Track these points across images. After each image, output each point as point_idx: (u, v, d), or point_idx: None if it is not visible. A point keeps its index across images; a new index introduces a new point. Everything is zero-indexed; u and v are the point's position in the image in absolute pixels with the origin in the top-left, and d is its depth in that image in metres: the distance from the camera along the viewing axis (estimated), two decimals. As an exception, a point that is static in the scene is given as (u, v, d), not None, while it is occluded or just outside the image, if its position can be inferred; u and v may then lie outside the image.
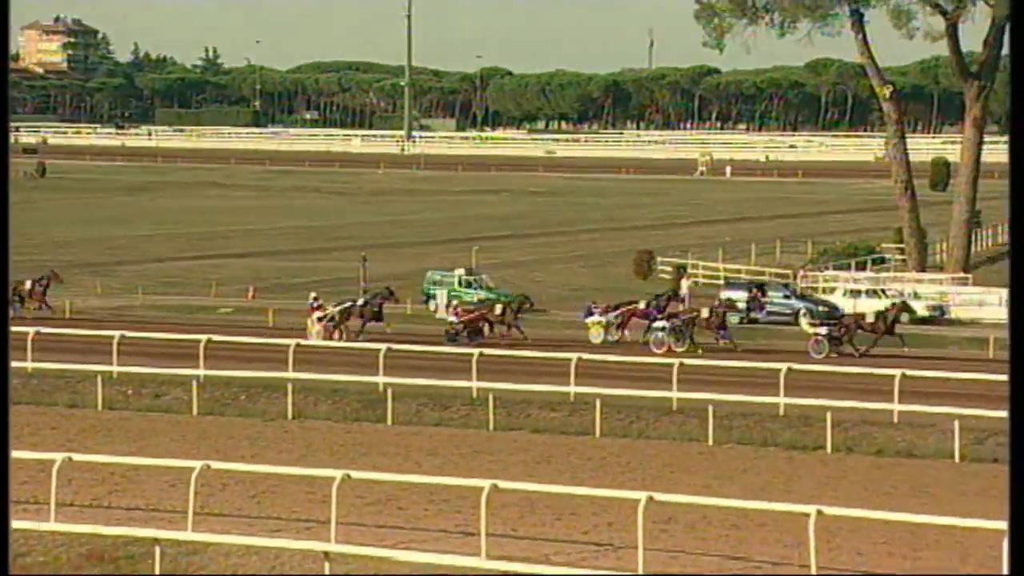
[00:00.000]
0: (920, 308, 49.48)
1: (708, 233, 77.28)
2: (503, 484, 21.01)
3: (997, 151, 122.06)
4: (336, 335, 44.02)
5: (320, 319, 44.58)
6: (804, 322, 43.86)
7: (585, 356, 35.25)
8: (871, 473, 27.64)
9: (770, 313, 47.14)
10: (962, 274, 55.45)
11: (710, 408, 30.70)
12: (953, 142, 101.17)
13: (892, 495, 25.67)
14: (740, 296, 47.06)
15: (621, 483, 25.72)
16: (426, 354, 38.68)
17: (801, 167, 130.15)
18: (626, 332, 44.45)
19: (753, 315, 46.93)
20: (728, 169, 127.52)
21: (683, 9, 73.16)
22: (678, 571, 20.15)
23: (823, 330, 42.45)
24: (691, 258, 60.93)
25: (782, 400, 32.08)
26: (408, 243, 75.72)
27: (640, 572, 19.47)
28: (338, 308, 45.21)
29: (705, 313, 43.42)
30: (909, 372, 32.60)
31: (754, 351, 41.58)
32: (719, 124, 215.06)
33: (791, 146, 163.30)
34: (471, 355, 35.05)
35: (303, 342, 38.80)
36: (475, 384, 34.02)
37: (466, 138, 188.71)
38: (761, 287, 48.15)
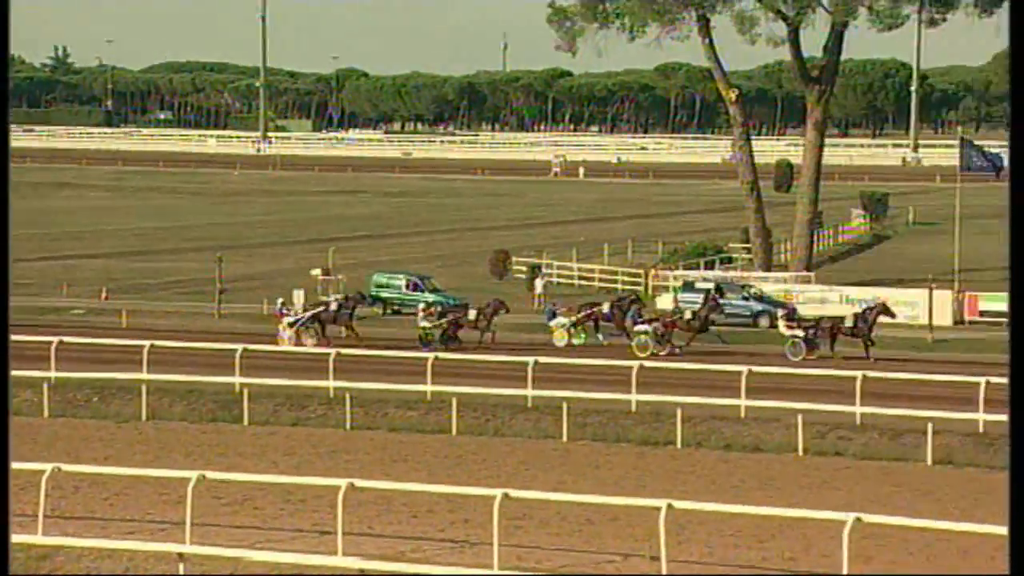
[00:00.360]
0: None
1: (562, 233, 78.05)
2: (360, 483, 21.26)
3: (837, 153, 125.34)
4: (308, 341, 42.98)
5: (291, 324, 43.68)
6: (781, 325, 43.08)
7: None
8: (719, 467, 28.37)
9: (728, 315, 46.82)
10: (805, 273, 56.81)
11: (564, 405, 31.22)
12: (796, 144, 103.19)
13: (739, 488, 26.39)
14: (697, 299, 46.52)
15: (477, 480, 26.10)
16: (283, 354, 38.69)
17: (652, 168, 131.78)
18: (599, 337, 44.02)
19: (712, 317, 46.53)
20: (581, 170, 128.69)
21: (536, 13, 73.76)
22: (532, 566, 20.56)
23: (800, 333, 42.07)
24: (546, 258, 61.56)
25: (634, 397, 32.73)
26: (265, 244, 75.35)
27: (495, 568, 19.84)
28: (309, 313, 44.29)
29: (689, 315, 43.37)
30: (755, 368, 33.45)
31: (714, 353, 41.39)
32: (572, 126, 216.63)
33: (642, 148, 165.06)
34: (327, 355, 35.19)
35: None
36: (332, 384, 34.17)
37: (323, 139, 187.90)
38: (719, 288, 47.69)
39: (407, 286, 50.86)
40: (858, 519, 18.73)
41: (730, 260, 62.41)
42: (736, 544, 21.73)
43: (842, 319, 43.25)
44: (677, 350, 42.07)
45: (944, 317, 47.11)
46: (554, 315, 45.06)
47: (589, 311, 45.16)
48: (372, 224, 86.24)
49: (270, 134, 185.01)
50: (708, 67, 61.83)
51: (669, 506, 19.59)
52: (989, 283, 54.42)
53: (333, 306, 44.62)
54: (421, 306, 45.08)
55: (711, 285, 49.92)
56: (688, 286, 50.42)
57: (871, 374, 32.71)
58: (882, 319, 43.63)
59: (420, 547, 21.67)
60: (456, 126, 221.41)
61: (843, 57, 62.52)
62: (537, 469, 27.93)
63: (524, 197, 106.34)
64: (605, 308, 45.16)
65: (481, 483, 25.14)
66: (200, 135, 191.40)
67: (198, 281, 56.51)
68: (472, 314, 44.22)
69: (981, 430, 30.23)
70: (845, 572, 18.67)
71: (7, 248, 17.08)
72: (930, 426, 28.98)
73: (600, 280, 58.95)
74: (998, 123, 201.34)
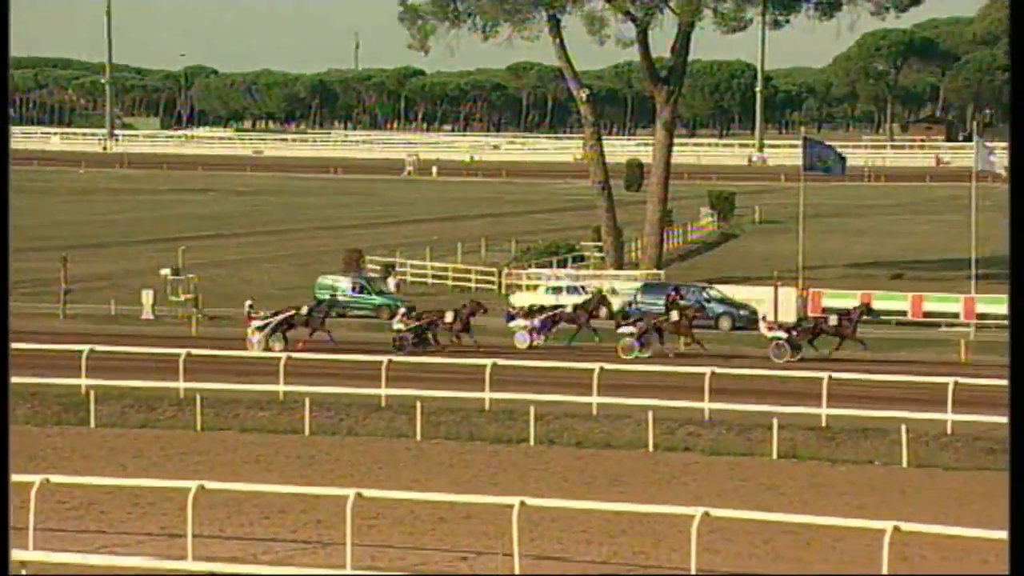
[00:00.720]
0: (617, 304, 51.11)
1: (416, 232, 78.01)
2: (210, 485, 21.05)
3: (686, 153, 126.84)
4: (276, 346, 42.00)
5: (260, 328, 42.76)
6: (762, 326, 42.58)
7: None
8: (572, 464, 28.62)
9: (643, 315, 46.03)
10: (655, 270, 57.50)
11: (418, 404, 31.24)
12: (646, 144, 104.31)
13: (591, 484, 26.67)
14: (659, 300, 46.27)
15: (330, 480, 26.01)
16: (131, 355, 38.15)
17: (505, 167, 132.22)
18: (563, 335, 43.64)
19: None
20: (435, 169, 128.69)
21: (388, 11, 73.62)
22: (386, 565, 20.56)
23: (783, 334, 41.57)
24: (399, 256, 61.49)
25: (488, 395, 32.86)
26: (112, 243, 74.18)
27: (348, 568, 19.81)
28: (279, 316, 43.39)
29: (675, 317, 42.94)
30: (607, 366, 33.81)
31: (695, 355, 40.86)
32: (425, 125, 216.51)
33: (495, 147, 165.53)
34: (178, 355, 34.77)
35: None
36: (182, 385, 33.78)
37: (171, 137, 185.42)
38: (677, 290, 47.34)
39: (353, 288, 50.38)
40: (706, 513, 19.03)
41: (582, 258, 62.95)
42: (588, 540, 21.96)
43: (825, 319, 42.97)
44: (670, 354, 41.43)
45: (789, 314, 47.98)
46: (512, 317, 44.56)
47: (553, 312, 44.74)
48: (223, 223, 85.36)
49: (117, 132, 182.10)
50: (559, 67, 62.30)
51: (522, 503, 19.72)
52: (832, 280, 55.60)
53: (304, 310, 43.89)
54: (402, 310, 44.23)
55: (560, 283, 50.17)
56: (648, 287, 49.76)
57: (719, 371, 33.23)
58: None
59: (272, 548, 21.55)
60: (308, 124, 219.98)
61: (690, 58, 63.43)
62: (391, 468, 27.92)
63: (377, 196, 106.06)
64: (569, 309, 44.94)
65: (334, 483, 25.07)
66: (44, 132, 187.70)
67: (43, 281, 55.46)
68: (449, 316, 43.55)
69: (824, 424, 30.88)
70: (693, 566, 18.96)
71: (7, 248, 16.77)
72: (776, 421, 29.53)
73: (454, 279, 59.06)
74: (839, 124, 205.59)
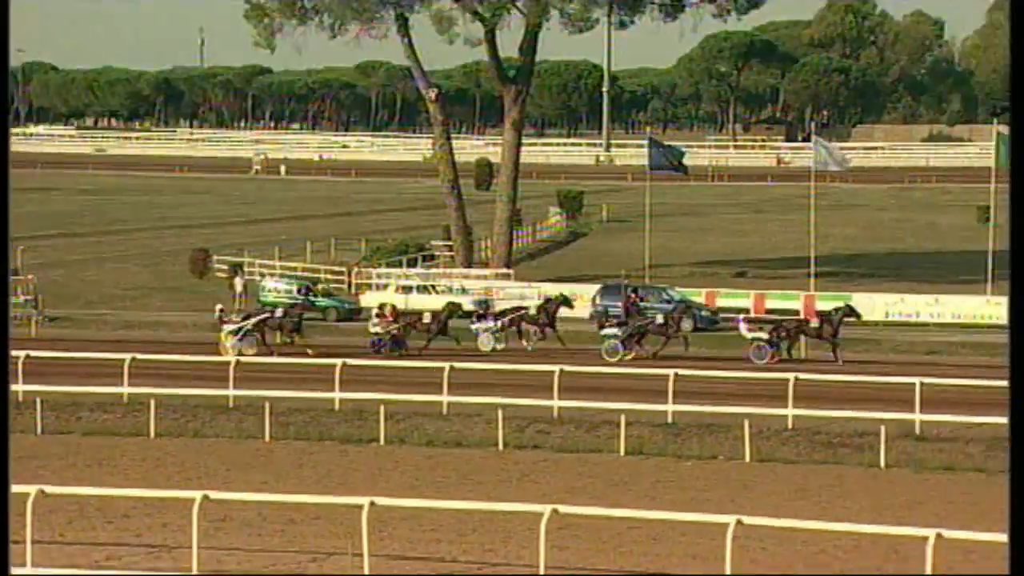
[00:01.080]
0: (467, 303, 51.26)
1: (264, 231, 77.35)
2: (51, 489, 20.65)
3: (535, 152, 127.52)
4: (248, 350, 40.96)
5: (232, 332, 41.69)
6: (743, 328, 42.11)
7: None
8: (422, 463, 28.63)
9: (626, 318, 45.89)
10: (505, 269, 57.78)
11: (266, 405, 31.01)
12: (495, 143, 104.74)
13: (441, 483, 26.71)
14: (617, 302, 46.07)
15: (176, 483, 25.69)
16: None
17: (354, 166, 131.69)
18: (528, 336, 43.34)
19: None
20: (283, 168, 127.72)
21: (234, 8, 72.86)
22: (233, 568, 20.37)
23: (764, 335, 41.24)
24: (247, 256, 60.94)
25: (337, 395, 32.73)
26: (-52, 244, 72.38)
27: (195, 572, 19.60)
28: (253, 320, 42.32)
29: (660, 319, 42.56)
30: (456, 364, 33.87)
31: (680, 357, 40.67)
32: (273, 123, 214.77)
33: (344, 146, 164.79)
34: (18, 357, 34.06)
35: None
36: (21, 388, 33.09)
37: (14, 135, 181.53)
38: (635, 290, 47.21)
39: (298, 291, 49.68)
40: (555, 510, 19.18)
41: (432, 257, 62.98)
42: (438, 539, 21.99)
43: (807, 320, 42.65)
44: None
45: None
46: (481, 318, 44.15)
47: (515, 314, 44.35)
48: (65, 222, 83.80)
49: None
50: (408, 66, 62.24)
51: (371, 503, 19.68)
52: (678, 278, 56.36)
53: (279, 313, 42.97)
54: (375, 311, 43.82)
55: (424, 283, 50.05)
56: (608, 289, 49.31)
57: (568, 368, 33.49)
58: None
59: (115, 554, 21.22)
60: (153, 122, 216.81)
61: (538, 58, 63.84)
62: (238, 470, 27.67)
63: (224, 195, 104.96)
64: (532, 311, 44.59)
65: (180, 486, 24.77)
66: None
67: None
68: (427, 318, 43.10)
69: (670, 420, 31.30)
70: (542, 563, 19.09)
71: (7, 248, 16.28)
72: (623, 418, 29.86)
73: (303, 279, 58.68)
74: (684, 124, 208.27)
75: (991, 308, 43.58)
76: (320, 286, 51.23)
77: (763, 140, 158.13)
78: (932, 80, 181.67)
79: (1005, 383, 35.60)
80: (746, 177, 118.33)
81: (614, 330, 41.95)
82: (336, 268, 59.13)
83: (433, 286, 52.37)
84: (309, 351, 40.41)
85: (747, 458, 28.93)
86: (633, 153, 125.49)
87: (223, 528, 22.06)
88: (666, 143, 58.23)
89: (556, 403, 31.89)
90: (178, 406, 32.19)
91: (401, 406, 31.98)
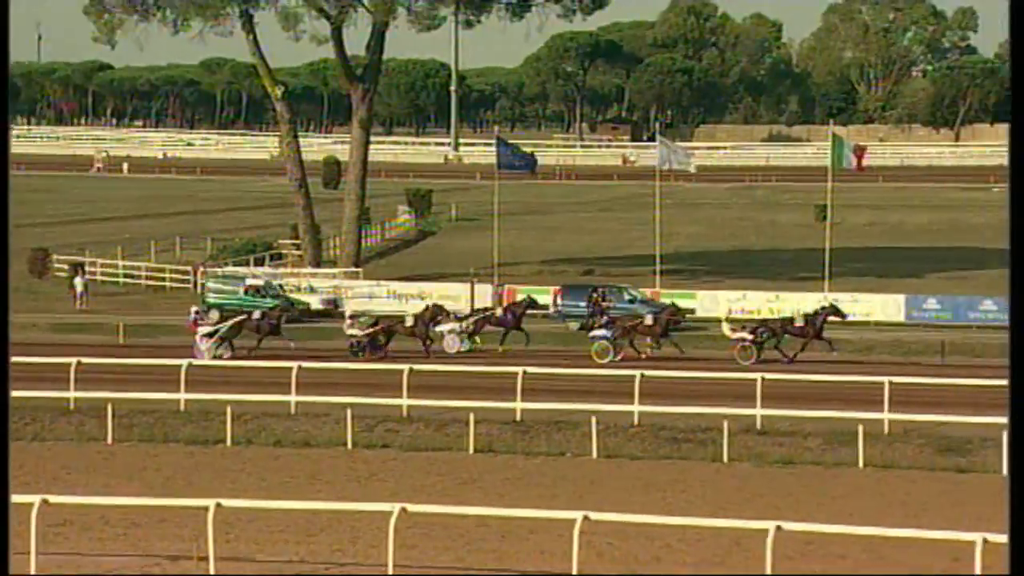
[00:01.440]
0: (315, 302, 51.07)
1: (106, 230, 76.08)
2: None
3: (383, 151, 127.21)
4: (225, 353, 39.83)
5: (208, 335, 40.39)
6: (726, 327, 41.56)
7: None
8: (270, 464, 28.44)
9: (611, 319, 45.36)
10: (353, 268, 57.59)
11: (109, 407, 30.54)
12: (343, 142, 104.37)
13: (289, 484, 26.56)
14: (580, 301, 45.70)
15: (14, 488, 25.13)
16: None
17: (199, 164, 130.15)
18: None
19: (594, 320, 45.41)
20: (125, 166, 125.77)
21: (73, 2, 71.56)
22: (74, 573, 20.05)
23: (748, 335, 40.72)
24: (88, 255, 59.89)
25: (182, 396, 32.36)
26: None
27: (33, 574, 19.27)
28: (229, 322, 40.99)
29: (649, 320, 41.95)
30: (305, 364, 33.70)
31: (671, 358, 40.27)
32: (114, 120, 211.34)
33: (189, 144, 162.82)
34: None
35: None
36: None
37: None
38: (596, 290, 46.58)
39: (246, 291, 48.74)
40: (403, 509, 19.19)
41: (280, 256, 62.54)
42: (285, 540, 21.86)
43: (791, 319, 41.90)
44: (643, 355, 40.80)
45: (486, 310, 48.62)
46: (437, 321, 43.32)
47: (483, 316, 43.76)
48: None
49: None
50: (253, 63, 61.71)
51: (217, 504, 19.51)
52: (526, 276, 56.70)
53: (256, 315, 41.88)
54: (348, 313, 42.83)
55: (255, 281, 49.52)
56: (569, 289, 48.77)
57: (418, 367, 33.51)
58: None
59: (-45, 560, 20.73)
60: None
61: (386, 56, 63.70)
62: (80, 473, 27.22)
63: (64, 193, 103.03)
64: (499, 312, 44.00)
65: (18, 490, 24.23)
66: None
67: None
68: (409, 321, 42.28)
69: (518, 418, 31.48)
70: (390, 562, 19.10)
71: (7, 249, 15.75)
72: (472, 416, 29.96)
73: (147, 278, 57.88)
74: (531, 123, 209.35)
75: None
76: (273, 288, 50.52)
77: (609, 139, 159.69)
78: (771, 81, 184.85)
79: (842, 377, 36.53)
80: (593, 176, 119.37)
81: (603, 331, 41.50)
82: (181, 267, 58.41)
83: (281, 286, 51.99)
84: (291, 345, 40.18)
85: (594, 454, 29.22)
86: (481, 152, 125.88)
87: (63, 533, 21.70)
88: (515, 146, 58.47)
89: (405, 402, 31.90)
90: (17, 408, 31.52)
91: (249, 407, 31.72)
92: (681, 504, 25.06)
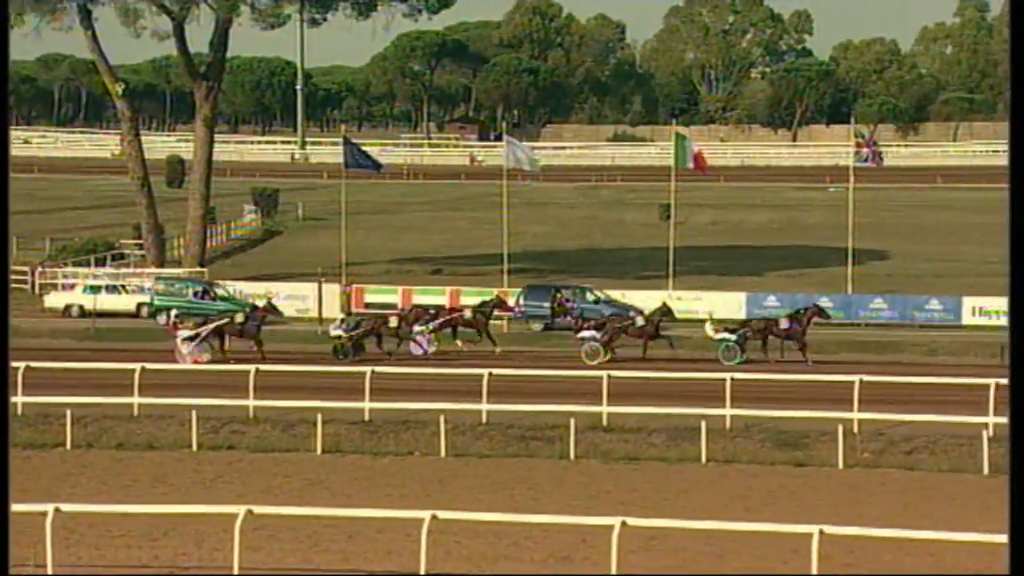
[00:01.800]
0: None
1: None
2: None
3: (228, 149, 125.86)
4: (203, 357, 38.51)
5: (188, 339, 39.00)
6: (709, 328, 40.94)
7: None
8: (112, 467, 28.00)
9: (602, 321, 44.26)
10: (198, 268, 56.92)
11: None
12: (187, 140, 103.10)
13: (132, 487, 26.17)
14: (544, 302, 45.03)
15: None
16: None
17: (37, 163, 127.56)
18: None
19: (559, 321, 44.99)
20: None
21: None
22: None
23: (732, 336, 40.20)
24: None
25: (20, 399, 31.70)
26: None
27: None
28: (210, 326, 39.59)
29: (640, 322, 41.23)
30: (148, 365, 33.23)
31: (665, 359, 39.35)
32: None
33: (26, 141, 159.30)
34: None
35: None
36: None
37: None
38: (559, 290, 45.52)
39: (195, 294, 47.43)
40: (250, 511, 19.03)
41: (123, 256, 61.56)
42: (127, 544, 21.54)
43: (776, 320, 41.77)
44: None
45: (334, 309, 48.47)
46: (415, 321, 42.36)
47: (449, 316, 42.91)
48: None
49: None
50: (93, 59, 60.67)
51: (56, 510, 19.16)
52: (374, 276, 56.54)
53: (239, 318, 40.61)
54: (340, 316, 41.86)
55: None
56: (533, 290, 47.92)
57: (264, 368, 33.22)
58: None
59: None
60: None
61: (230, 54, 63.04)
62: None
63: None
64: (467, 314, 43.17)
65: None
66: None
67: None
68: (393, 322, 41.34)
69: (367, 418, 31.39)
70: (236, 565, 18.92)
71: (7, 249, 15.07)
72: (319, 416, 29.81)
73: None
74: (379, 122, 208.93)
75: (673, 303, 45.07)
76: (219, 290, 49.29)
77: (457, 139, 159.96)
78: (616, 82, 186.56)
79: (687, 375, 36.98)
80: (440, 175, 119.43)
81: (593, 332, 41.07)
82: (19, 268, 57.18)
83: (123, 286, 51.19)
84: (262, 355, 39.44)
85: (443, 453, 29.25)
86: (329, 151, 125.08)
87: None
88: (358, 146, 58.24)
89: (252, 403, 31.60)
90: None
91: (89, 409, 31.19)
92: (528, 501, 25.21)
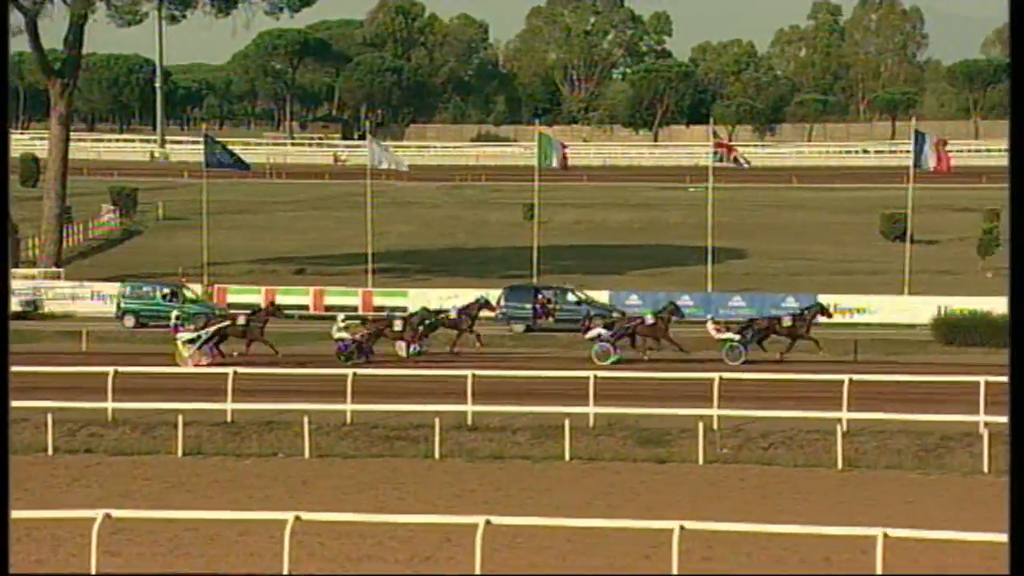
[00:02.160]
0: (14, 303, 49.35)
1: None
2: None
3: (85, 148, 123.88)
4: (203, 360, 37.18)
5: (190, 341, 37.67)
6: (710, 327, 40.28)
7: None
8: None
9: (559, 320, 44.06)
10: (54, 268, 55.93)
11: None
12: (42, 138, 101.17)
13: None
14: (525, 303, 44.60)
15: None
16: None
17: None
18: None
19: (541, 322, 44.33)
20: None
21: None
22: None
23: (736, 336, 39.72)
24: None
25: None
26: None
27: None
28: (212, 328, 38.29)
29: (650, 320, 40.41)
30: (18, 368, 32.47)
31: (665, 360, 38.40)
32: None
33: None
34: None
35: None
36: None
37: None
38: (539, 291, 44.83)
39: (164, 297, 46.00)
40: (108, 515, 18.73)
41: (-26, 257, 60.26)
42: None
43: (779, 319, 41.49)
44: (645, 357, 39.72)
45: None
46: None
47: (436, 319, 41.93)
48: None
49: None
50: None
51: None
52: (237, 276, 55.99)
53: (241, 320, 39.42)
54: (340, 317, 40.90)
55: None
56: (514, 290, 47.06)
57: (123, 369, 32.73)
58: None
59: None
60: None
61: (86, 51, 62.00)
62: None
63: None
64: (453, 315, 42.34)
65: None
66: None
67: None
68: (398, 325, 40.43)
69: (229, 419, 31.06)
70: (93, 567, 18.61)
71: (6, 249, 14.27)
72: (180, 418, 29.43)
73: None
74: (240, 121, 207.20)
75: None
76: (187, 292, 47.89)
77: (320, 138, 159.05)
78: (479, 81, 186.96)
79: (551, 373, 37.16)
80: (304, 175, 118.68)
81: (599, 331, 40.60)
82: None
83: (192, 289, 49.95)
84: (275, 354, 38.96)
85: (307, 454, 29.05)
86: (189, 150, 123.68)
87: None
88: (223, 144, 57.66)
89: (110, 405, 31.10)
90: None
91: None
92: (393, 501, 25.14)
